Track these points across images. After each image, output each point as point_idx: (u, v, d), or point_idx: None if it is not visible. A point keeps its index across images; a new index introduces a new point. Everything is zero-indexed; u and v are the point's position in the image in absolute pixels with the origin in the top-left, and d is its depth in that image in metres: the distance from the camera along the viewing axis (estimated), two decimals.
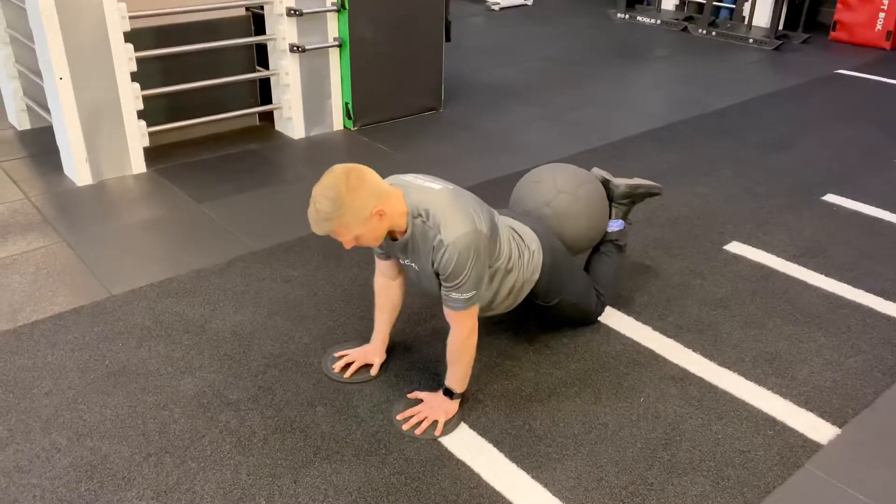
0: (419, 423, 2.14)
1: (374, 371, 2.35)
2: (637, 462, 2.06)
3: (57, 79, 3.45)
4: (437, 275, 2.04)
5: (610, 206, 2.71)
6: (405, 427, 2.14)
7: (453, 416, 2.17)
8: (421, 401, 2.22)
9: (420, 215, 2.01)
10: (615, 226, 2.70)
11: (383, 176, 2.06)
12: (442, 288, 2.05)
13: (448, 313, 2.10)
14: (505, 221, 2.28)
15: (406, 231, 2.03)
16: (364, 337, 2.47)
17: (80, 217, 3.38)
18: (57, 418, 2.17)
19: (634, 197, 2.75)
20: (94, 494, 1.92)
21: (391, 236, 2.08)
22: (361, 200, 1.92)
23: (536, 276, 2.31)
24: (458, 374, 2.16)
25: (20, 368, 2.37)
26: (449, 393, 2.18)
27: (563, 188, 2.55)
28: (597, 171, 2.78)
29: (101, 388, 2.30)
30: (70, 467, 2.00)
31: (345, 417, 2.19)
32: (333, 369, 2.37)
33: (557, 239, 2.45)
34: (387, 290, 2.35)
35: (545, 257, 2.34)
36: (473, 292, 2.03)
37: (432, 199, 2.02)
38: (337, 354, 2.42)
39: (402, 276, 2.33)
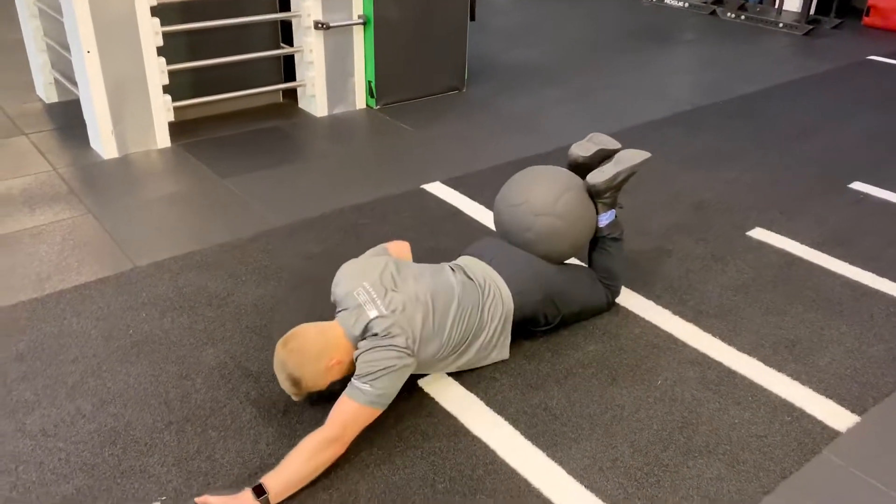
0: None
1: None
2: (653, 444, 2.07)
3: (84, 52, 3.49)
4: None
5: (595, 203, 2.53)
6: None
7: None
8: None
9: (360, 339, 2.04)
10: (605, 219, 2.53)
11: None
12: (353, 379, 1.99)
13: (338, 403, 1.94)
14: (470, 286, 2.25)
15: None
16: None
17: (106, 189, 3.42)
18: (82, 385, 2.22)
19: (617, 186, 2.50)
20: (118, 459, 1.96)
21: None
22: (311, 368, 1.99)
23: (506, 321, 2.30)
24: (288, 476, 1.84)
25: (47, 336, 2.42)
26: (259, 491, 1.80)
27: (541, 209, 2.40)
28: (574, 152, 2.57)
29: (124, 356, 2.34)
30: (94, 432, 2.04)
31: None
32: None
33: (545, 265, 2.42)
34: None
35: (532, 297, 2.33)
36: (380, 393, 1.94)
37: (370, 325, 2.03)
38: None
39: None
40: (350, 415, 1.93)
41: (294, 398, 2.06)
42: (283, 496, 1.84)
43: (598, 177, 2.48)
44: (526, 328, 2.42)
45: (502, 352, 2.35)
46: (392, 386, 1.98)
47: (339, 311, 2.14)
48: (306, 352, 1.99)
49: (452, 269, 2.31)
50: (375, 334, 2.01)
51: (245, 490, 1.82)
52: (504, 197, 2.54)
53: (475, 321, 2.21)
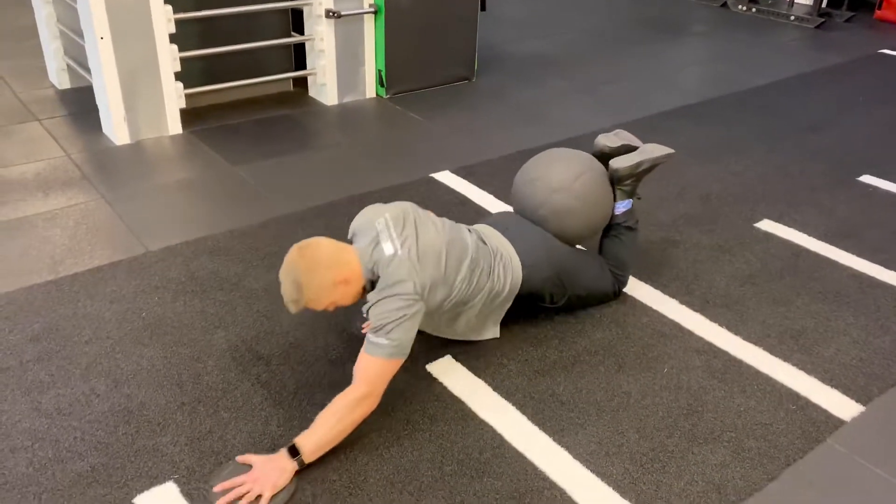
0: (240, 497, 1.81)
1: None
2: (658, 430, 2.09)
3: (98, 38, 3.51)
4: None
5: (613, 189, 2.57)
6: (219, 502, 1.80)
7: (283, 489, 1.83)
8: (250, 467, 1.88)
9: (372, 276, 2.04)
10: (622, 207, 2.57)
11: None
12: (367, 334, 1.99)
13: (359, 363, 1.97)
14: (484, 249, 2.26)
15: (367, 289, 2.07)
16: None
17: (118, 175, 3.46)
18: (96, 366, 2.25)
19: (639, 174, 2.55)
20: (131, 438, 2.00)
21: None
22: (320, 276, 1.99)
23: (510, 292, 2.32)
24: (321, 436, 1.89)
25: (61, 317, 2.46)
26: (294, 451, 1.87)
27: (558, 186, 2.44)
28: (600, 140, 2.60)
29: (137, 338, 2.38)
30: (108, 412, 2.08)
31: None
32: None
33: (557, 241, 2.44)
34: None
35: (540, 272, 2.35)
36: (393, 345, 1.94)
37: (386, 264, 2.02)
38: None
39: None
40: (373, 370, 1.95)
41: (291, 308, 2.02)
42: (317, 455, 1.89)
43: (622, 162, 2.52)
44: (533, 305, 2.44)
45: (495, 329, 2.37)
46: (407, 334, 1.97)
47: (356, 242, 2.14)
48: (319, 260, 2.00)
49: (469, 231, 2.33)
50: (384, 277, 2.00)
51: (281, 450, 1.88)
52: (524, 172, 2.58)
53: (484, 283, 2.22)
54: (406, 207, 2.21)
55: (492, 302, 2.29)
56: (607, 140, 2.60)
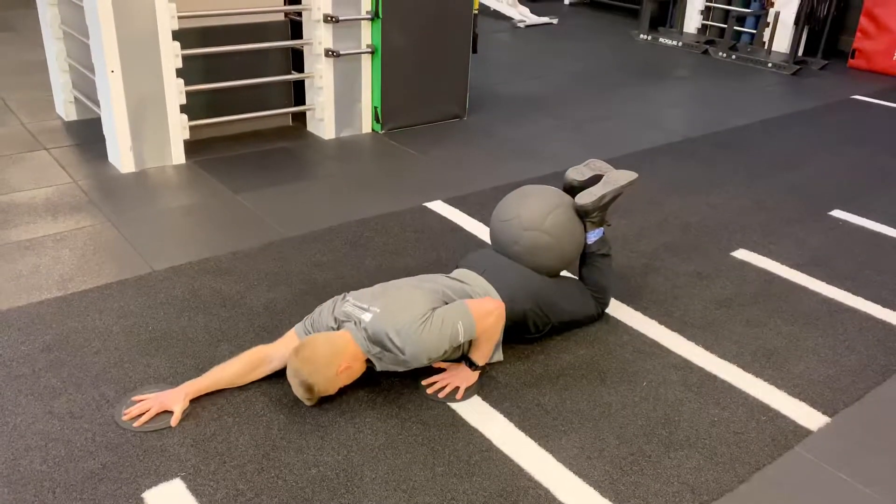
0: (442, 388, 2.34)
1: (174, 420, 2.16)
2: (637, 437, 2.22)
3: (108, 72, 3.70)
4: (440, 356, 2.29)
5: (584, 222, 2.70)
6: (429, 391, 2.34)
7: (472, 385, 2.37)
8: (444, 370, 2.42)
9: (373, 346, 2.25)
10: (593, 237, 2.70)
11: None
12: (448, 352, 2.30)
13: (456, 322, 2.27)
14: (460, 289, 2.46)
15: (373, 361, 2.29)
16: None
17: (124, 201, 3.61)
18: (105, 374, 2.37)
19: (603, 207, 2.68)
20: (140, 439, 2.11)
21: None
22: (324, 372, 2.19)
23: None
24: (483, 349, 2.37)
25: (71, 330, 2.58)
26: (471, 364, 2.39)
27: (529, 224, 2.59)
28: (569, 175, 2.77)
29: (144, 350, 2.50)
30: (118, 416, 2.19)
31: (369, 386, 2.36)
32: (123, 416, 2.18)
33: (534, 276, 2.60)
34: (258, 362, 2.34)
35: (522, 305, 2.51)
36: (459, 324, 2.23)
37: (375, 326, 2.23)
38: (134, 398, 2.24)
39: (279, 366, 2.35)
40: (482, 317, 2.28)
41: (307, 403, 2.25)
42: (486, 361, 2.42)
43: (585, 198, 2.66)
44: (520, 336, 2.59)
45: (498, 353, 2.52)
46: (447, 315, 2.24)
47: (343, 327, 2.34)
48: (317, 359, 2.19)
49: (447, 276, 2.54)
50: (382, 338, 2.22)
51: (460, 365, 2.40)
52: (498, 212, 2.74)
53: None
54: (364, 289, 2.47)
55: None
56: (576, 174, 2.78)
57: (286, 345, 2.35)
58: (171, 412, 2.18)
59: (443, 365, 2.43)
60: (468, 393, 2.35)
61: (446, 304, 2.33)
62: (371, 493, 1.98)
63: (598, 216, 2.71)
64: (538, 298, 2.56)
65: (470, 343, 2.37)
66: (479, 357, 2.39)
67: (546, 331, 2.61)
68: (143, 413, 2.17)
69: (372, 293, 2.39)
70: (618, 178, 2.68)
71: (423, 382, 2.38)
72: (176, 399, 2.21)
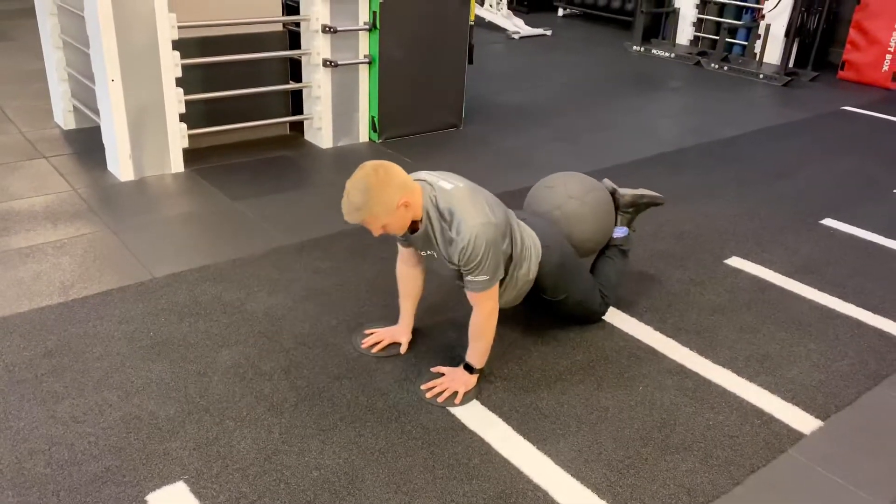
0: (441, 393, 2.37)
1: (402, 349, 2.58)
2: (633, 440, 2.26)
3: (109, 80, 3.73)
4: (457, 265, 2.26)
5: (616, 214, 2.92)
6: (428, 395, 2.37)
7: (471, 389, 2.40)
8: (443, 374, 2.45)
9: (435, 211, 2.25)
10: (620, 232, 2.92)
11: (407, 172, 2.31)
12: (463, 274, 2.27)
13: (470, 296, 2.33)
14: (513, 216, 2.51)
15: (422, 223, 2.28)
16: (389, 319, 2.69)
17: (124, 208, 3.63)
18: (107, 379, 2.39)
19: (639, 206, 2.97)
20: (142, 443, 2.13)
21: (411, 227, 2.31)
22: (389, 193, 2.17)
23: (533, 273, 2.52)
24: (478, 350, 2.40)
25: (73, 336, 2.60)
26: (469, 368, 2.41)
27: (573, 194, 2.77)
28: (606, 182, 3.00)
29: (146, 355, 2.52)
30: (120, 420, 2.22)
31: (369, 390, 2.40)
32: (362, 345, 2.60)
33: (566, 240, 2.67)
34: (408, 278, 2.59)
35: (553, 256, 2.55)
36: (490, 275, 2.25)
37: (448, 197, 2.25)
38: (367, 332, 2.66)
39: (422, 265, 2.56)
40: (484, 299, 2.31)
41: (350, 217, 2.23)
42: (484, 362, 2.43)
43: (627, 190, 2.96)
44: (530, 298, 2.62)
45: (521, 293, 2.57)
46: (496, 259, 2.25)
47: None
48: (391, 178, 2.18)
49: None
50: (453, 211, 2.20)
51: (459, 367, 2.42)
52: (544, 181, 2.91)
53: (524, 242, 2.47)
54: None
55: (523, 275, 2.48)
56: (610, 183, 2.99)
57: (406, 253, 2.53)
58: (399, 343, 2.58)
59: (441, 369, 2.46)
60: (467, 397, 2.37)
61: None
62: (372, 495, 2.00)
63: (632, 213, 2.96)
64: (563, 258, 2.60)
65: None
66: (475, 359, 2.41)
67: (559, 298, 2.63)
68: (378, 343, 2.56)
69: (451, 175, 2.37)
70: (650, 192, 3.00)
71: (423, 387, 2.40)
72: (403, 332, 2.59)
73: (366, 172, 2.19)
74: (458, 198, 2.24)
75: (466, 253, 2.20)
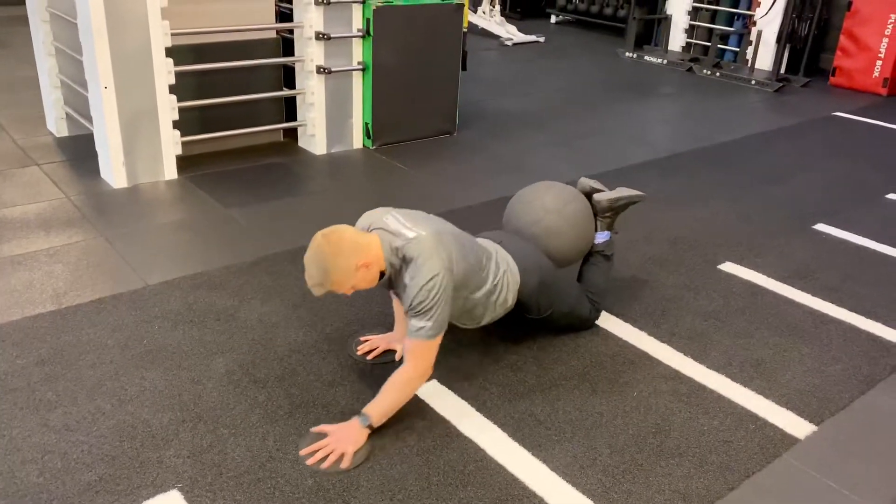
0: (325, 458, 2.11)
1: (397, 356, 2.55)
2: (628, 446, 2.26)
3: (102, 88, 3.72)
4: (407, 309, 2.21)
5: (595, 220, 2.88)
6: (310, 462, 2.10)
7: (361, 448, 2.14)
8: (326, 434, 2.18)
9: (398, 260, 2.23)
10: (602, 238, 2.89)
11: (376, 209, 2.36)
12: (407, 318, 2.23)
13: (408, 345, 2.22)
14: (485, 249, 2.49)
15: (387, 271, 2.26)
16: (384, 326, 2.69)
17: (117, 216, 3.62)
18: (100, 387, 2.38)
19: (617, 209, 2.91)
20: (136, 451, 2.12)
21: (380, 277, 2.28)
22: (344, 259, 2.15)
23: (511, 301, 2.52)
24: (384, 404, 2.20)
25: (66, 344, 2.59)
26: (364, 419, 2.18)
27: (550, 207, 2.73)
28: (584, 181, 2.95)
29: (140, 363, 2.51)
30: (114, 428, 2.20)
31: (362, 397, 2.38)
32: (357, 352, 2.60)
33: (545, 257, 2.67)
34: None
35: (532, 278, 2.55)
36: (433, 324, 2.17)
37: (410, 247, 2.21)
38: (362, 339, 2.65)
39: None
40: (420, 350, 2.21)
41: (315, 291, 2.18)
42: (383, 421, 2.21)
43: (603, 195, 2.90)
44: (519, 316, 2.61)
45: (496, 314, 2.54)
46: (444, 311, 2.20)
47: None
48: (343, 245, 2.15)
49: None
50: (413, 258, 2.17)
51: (352, 419, 2.19)
52: (520, 196, 2.87)
53: (494, 272, 2.44)
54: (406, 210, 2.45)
55: (500, 303, 2.48)
56: (589, 181, 2.96)
57: None
58: (394, 350, 2.57)
59: (325, 428, 2.19)
60: (357, 456, 2.11)
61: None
62: (367, 503, 2.00)
63: (611, 217, 2.91)
64: (545, 278, 2.60)
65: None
66: (376, 413, 2.18)
67: (545, 316, 2.64)
68: (373, 350, 2.57)
69: (417, 216, 2.35)
70: (627, 191, 2.93)
71: (301, 453, 2.13)
72: (398, 339, 2.57)
73: (318, 244, 2.17)
74: (419, 248, 2.20)
75: (418, 298, 2.15)
